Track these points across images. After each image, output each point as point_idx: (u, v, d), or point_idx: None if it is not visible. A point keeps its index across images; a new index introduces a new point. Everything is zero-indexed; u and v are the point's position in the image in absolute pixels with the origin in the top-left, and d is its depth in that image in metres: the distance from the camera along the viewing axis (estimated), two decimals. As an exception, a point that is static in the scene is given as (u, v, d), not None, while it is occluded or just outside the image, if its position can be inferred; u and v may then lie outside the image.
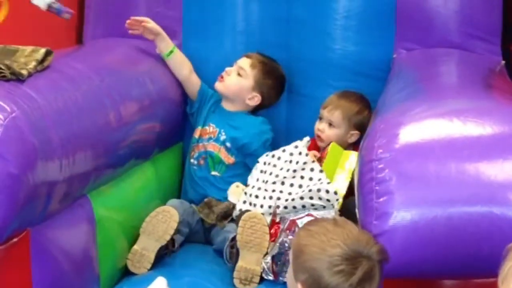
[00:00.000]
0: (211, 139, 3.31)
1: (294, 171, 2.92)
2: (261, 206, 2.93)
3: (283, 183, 2.93)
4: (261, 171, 3.02)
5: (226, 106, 3.37)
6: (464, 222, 2.00)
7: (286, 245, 2.68)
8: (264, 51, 3.40)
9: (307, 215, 2.76)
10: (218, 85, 3.33)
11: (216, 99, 3.38)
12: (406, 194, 2.04)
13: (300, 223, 2.70)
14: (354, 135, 3.23)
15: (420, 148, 2.11)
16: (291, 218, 2.74)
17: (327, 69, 3.42)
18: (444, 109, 2.30)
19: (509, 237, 1.95)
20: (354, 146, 3.21)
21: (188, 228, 3.07)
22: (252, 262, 2.77)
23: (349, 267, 1.92)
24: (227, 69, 3.32)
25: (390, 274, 2.04)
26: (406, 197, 2.03)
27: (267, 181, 2.97)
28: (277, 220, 2.89)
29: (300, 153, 2.95)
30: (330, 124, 3.22)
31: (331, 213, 2.78)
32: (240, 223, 2.80)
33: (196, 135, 3.34)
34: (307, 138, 3.05)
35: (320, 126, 3.24)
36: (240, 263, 2.76)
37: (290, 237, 2.69)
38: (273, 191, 2.93)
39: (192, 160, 3.32)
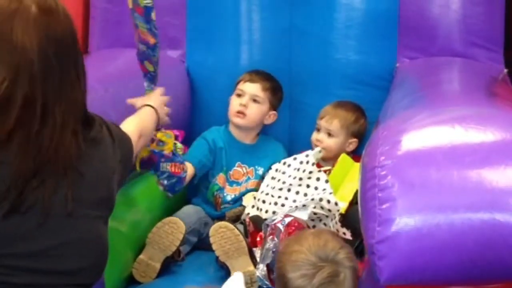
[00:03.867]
0: (249, 179, 3.32)
1: (300, 179, 2.94)
2: (266, 212, 2.94)
3: (289, 190, 2.95)
4: (272, 178, 3.04)
5: (245, 140, 3.38)
6: (467, 228, 2.00)
7: (276, 250, 2.70)
8: (266, 60, 3.43)
9: (285, 216, 2.77)
10: (241, 122, 3.32)
11: (220, 144, 3.34)
12: (409, 200, 2.04)
13: (281, 225, 2.72)
14: (352, 144, 3.27)
15: (423, 154, 2.12)
16: (272, 223, 2.76)
17: (330, 78, 3.44)
18: (446, 116, 2.30)
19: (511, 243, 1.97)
20: (353, 155, 3.24)
21: (197, 237, 3.08)
22: (243, 266, 2.79)
23: (310, 272, 2.01)
24: (242, 102, 3.31)
25: (393, 281, 2.04)
26: (408, 203, 2.03)
27: (274, 187, 2.99)
28: (251, 227, 2.92)
29: (307, 162, 2.96)
30: (329, 134, 3.25)
31: (307, 211, 2.80)
32: (211, 239, 2.83)
33: (220, 182, 3.30)
34: (318, 149, 3.07)
35: (319, 137, 3.26)
36: (233, 273, 2.77)
37: (275, 241, 2.71)
38: (279, 197, 2.95)
39: (223, 206, 3.28)
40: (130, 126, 2.41)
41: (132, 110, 2.92)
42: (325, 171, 3.02)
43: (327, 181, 2.91)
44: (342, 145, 3.26)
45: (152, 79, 2.72)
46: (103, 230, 2.08)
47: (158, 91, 2.75)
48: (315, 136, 3.28)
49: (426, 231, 2.01)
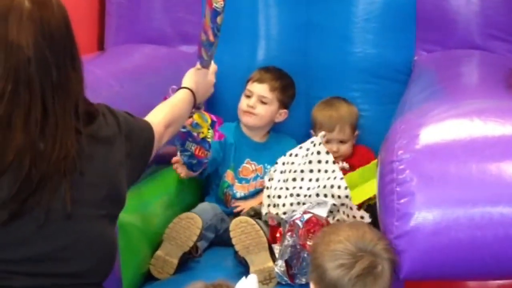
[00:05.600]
0: (258, 177, 3.31)
1: (310, 162, 2.92)
2: (284, 205, 2.92)
3: (302, 179, 2.93)
4: (281, 172, 3.02)
5: (255, 137, 3.37)
6: (486, 222, 1.98)
7: (295, 246, 2.68)
8: (283, 55, 3.41)
9: (304, 212, 2.76)
10: (250, 120, 3.31)
11: (230, 140, 3.32)
12: (427, 194, 2.02)
13: (300, 222, 2.71)
14: (356, 136, 3.33)
15: (441, 148, 2.10)
16: (290, 220, 2.75)
17: (347, 72, 3.42)
18: (465, 109, 2.28)
19: (532, 237, 1.95)
20: (356, 144, 3.30)
21: (214, 234, 3.07)
22: (262, 261, 2.78)
23: (349, 262, 1.97)
24: (249, 103, 3.29)
25: (412, 276, 2.03)
26: (427, 197, 2.02)
27: (287, 179, 2.97)
28: (275, 223, 2.91)
29: (314, 145, 2.95)
30: (342, 142, 3.25)
31: (326, 208, 2.80)
32: (231, 234, 2.81)
33: (229, 178, 3.29)
34: (323, 133, 3.05)
35: (334, 148, 3.24)
36: (252, 268, 2.77)
37: (294, 238, 2.69)
38: (294, 188, 2.93)
39: (233, 201, 3.27)
40: (158, 117, 2.34)
41: (147, 106, 2.92)
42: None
43: (334, 162, 2.91)
44: (352, 143, 3.31)
45: (204, 63, 2.68)
46: (109, 229, 2.04)
47: (206, 71, 2.67)
48: (328, 147, 3.23)
49: (445, 226, 1.99)
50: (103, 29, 3.62)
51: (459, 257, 2.00)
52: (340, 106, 3.29)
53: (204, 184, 3.41)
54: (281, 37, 3.50)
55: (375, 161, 3.00)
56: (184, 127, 2.70)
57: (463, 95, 2.58)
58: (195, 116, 2.70)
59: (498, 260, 2.00)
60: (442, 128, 2.17)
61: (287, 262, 2.72)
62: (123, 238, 2.64)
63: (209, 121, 2.78)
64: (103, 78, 2.74)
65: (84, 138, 1.94)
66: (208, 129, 2.78)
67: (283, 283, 2.74)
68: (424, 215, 2.00)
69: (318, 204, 2.83)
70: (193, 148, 2.79)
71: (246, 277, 2.28)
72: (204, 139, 2.79)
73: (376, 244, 2.00)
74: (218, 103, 3.53)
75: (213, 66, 2.71)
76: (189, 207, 3.13)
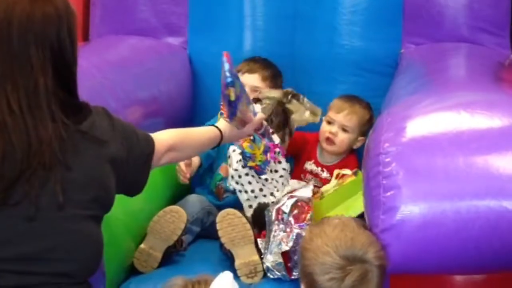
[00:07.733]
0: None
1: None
2: (272, 194, 2.94)
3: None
4: (246, 174, 3.02)
5: None
6: (473, 216, 1.97)
7: (300, 235, 2.65)
8: (270, 47, 3.41)
9: (289, 198, 2.76)
10: None
11: None
12: (414, 188, 2.01)
13: (285, 208, 2.70)
14: (360, 141, 3.24)
15: (428, 141, 2.09)
16: (275, 208, 2.73)
17: (334, 64, 3.42)
18: (452, 102, 2.28)
19: (518, 230, 1.94)
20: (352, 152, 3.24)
21: (200, 227, 3.05)
22: (247, 254, 2.76)
23: (339, 275, 1.94)
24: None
25: (397, 270, 2.02)
26: (413, 191, 2.01)
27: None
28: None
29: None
30: (344, 129, 3.20)
31: (309, 188, 2.82)
32: (218, 225, 2.80)
33: (223, 171, 3.24)
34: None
35: (333, 130, 3.20)
36: (237, 261, 2.76)
37: (281, 226, 2.67)
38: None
39: (225, 195, 3.23)
40: (164, 135, 2.28)
41: (132, 98, 2.90)
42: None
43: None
44: (353, 142, 3.24)
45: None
46: (96, 230, 2.04)
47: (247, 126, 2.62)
48: (327, 128, 3.21)
49: (431, 219, 1.99)
50: (88, 19, 3.60)
51: (445, 251, 1.99)
52: (358, 102, 3.24)
53: (194, 177, 3.38)
54: (268, 27, 3.48)
55: (350, 179, 2.94)
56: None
57: (450, 88, 2.58)
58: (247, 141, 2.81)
59: (485, 254, 2.00)
60: (429, 121, 2.17)
61: (286, 254, 2.68)
62: (107, 231, 2.59)
63: (262, 146, 2.84)
64: (87, 69, 2.71)
65: (74, 133, 1.93)
66: (261, 154, 2.84)
67: (274, 277, 2.72)
68: (410, 209, 1.99)
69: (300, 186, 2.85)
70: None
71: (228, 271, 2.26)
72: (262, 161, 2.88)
73: (366, 252, 1.96)
74: (205, 94, 3.52)
75: (256, 119, 2.67)
76: (174, 200, 3.11)
